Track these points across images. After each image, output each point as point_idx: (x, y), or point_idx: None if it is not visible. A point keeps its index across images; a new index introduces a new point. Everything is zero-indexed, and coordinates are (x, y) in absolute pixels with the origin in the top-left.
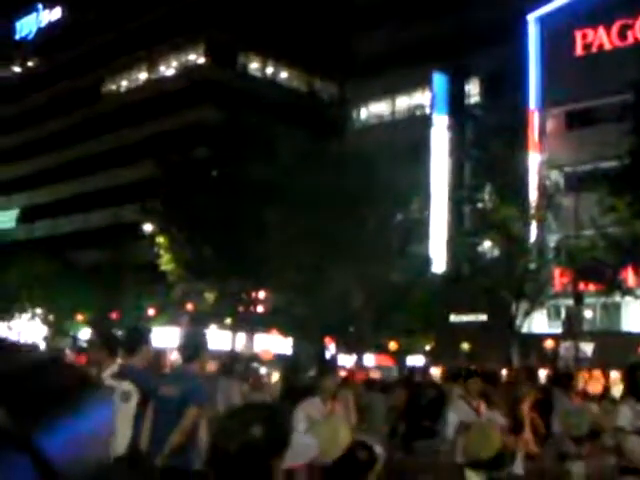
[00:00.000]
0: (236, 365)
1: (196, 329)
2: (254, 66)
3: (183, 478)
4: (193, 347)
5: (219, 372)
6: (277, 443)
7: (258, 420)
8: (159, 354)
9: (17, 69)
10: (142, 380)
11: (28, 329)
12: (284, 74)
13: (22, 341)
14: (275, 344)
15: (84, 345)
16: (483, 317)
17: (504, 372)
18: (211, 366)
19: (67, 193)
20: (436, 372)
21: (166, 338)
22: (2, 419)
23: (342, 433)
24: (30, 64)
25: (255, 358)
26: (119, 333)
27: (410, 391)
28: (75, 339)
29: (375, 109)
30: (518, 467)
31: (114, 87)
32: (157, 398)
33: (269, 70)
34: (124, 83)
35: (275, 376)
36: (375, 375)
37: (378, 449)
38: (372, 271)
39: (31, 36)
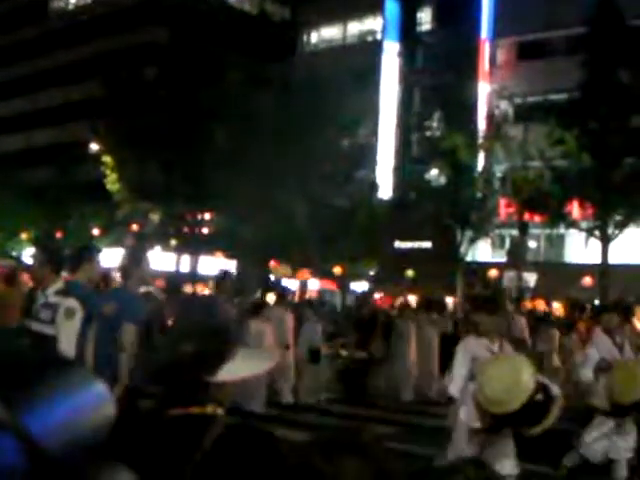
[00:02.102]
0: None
1: (135, 248)
2: None
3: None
4: (131, 266)
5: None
6: (206, 358)
7: (189, 336)
8: (106, 274)
9: None
10: (86, 297)
11: None
12: None
13: None
14: (219, 266)
15: (28, 262)
16: (428, 244)
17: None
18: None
19: (11, 111)
20: None
21: (111, 258)
22: None
23: (525, 375)
24: None
25: None
26: (65, 251)
27: None
28: (19, 258)
29: (326, 34)
30: None
31: (62, 4)
32: (99, 316)
33: None
34: (72, 0)
35: None
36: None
37: (555, 390)
38: (318, 195)
39: None
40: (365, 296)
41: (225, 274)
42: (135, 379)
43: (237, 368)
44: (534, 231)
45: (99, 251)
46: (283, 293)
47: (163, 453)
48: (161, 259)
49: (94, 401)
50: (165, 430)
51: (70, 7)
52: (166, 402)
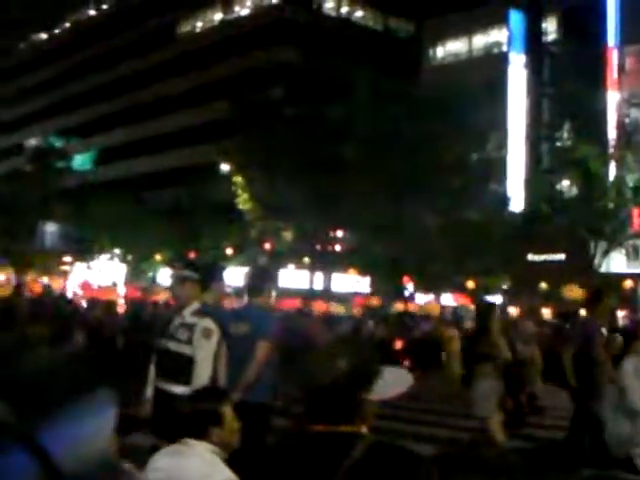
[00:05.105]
0: None
1: (261, 265)
2: (329, 5)
3: (255, 412)
4: (258, 283)
5: None
6: (363, 376)
7: (344, 354)
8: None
9: (92, 12)
10: (220, 318)
11: (107, 269)
12: (359, 13)
13: (102, 281)
14: (353, 283)
15: (164, 284)
16: (561, 256)
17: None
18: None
19: (143, 134)
20: None
21: (243, 277)
22: (5, 414)
23: None
24: (105, 7)
25: None
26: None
27: None
28: (154, 279)
29: (452, 47)
30: None
31: (189, 28)
32: (228, 336)
33: (344, 9)
34: (199, 24)
35: None
36: None
37: None
38: (449, 209)
39: None
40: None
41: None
42: (264, 396)
43: (384, 386)
44: None
45: (223, 269)
46: None
47: (306, 471)
48: (295, 277)
49: (109, 425)
50: (308, 448)
51: (197, 30)
52: (309, 419)
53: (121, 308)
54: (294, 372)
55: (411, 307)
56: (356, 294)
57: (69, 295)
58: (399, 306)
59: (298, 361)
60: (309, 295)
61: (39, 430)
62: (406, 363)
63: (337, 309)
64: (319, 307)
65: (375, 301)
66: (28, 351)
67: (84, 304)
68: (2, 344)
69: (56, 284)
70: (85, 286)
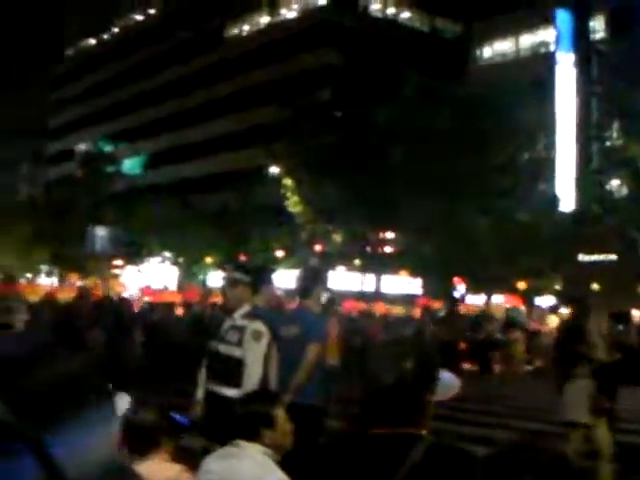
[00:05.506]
0: None
1: (313, 267)
2: (375, 7)
3: (305, 413)
4: (309, 285)
5: None
6: (428, 377)
7: (410, 354)
8: (280, 297)
9: (139, 17)
10: (270, 320)
11: (158, 273)
12: (405, 14)
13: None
14: (404, 285)
15: (214, 286)
16: (613, 257)
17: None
18: None
19: (191, 138)
20: None
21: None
22: (12, 419)
23: None
24: (152, 11)
25: None
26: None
27: None
28: (205, 281)
29: (499, 47)
30: None
31: (236, 31)
32: (279, 339)
33: (390, 11)
34: (246, 27)
35: None
36: None
37: None
38: (499, 210)
39: None
40: None
41: None
42: (315, 398)
43: (442, 388)
44: None
45: (273, 272)
46: None
47: (364, 472)
48: (345, 279)
49: (113, 433)
50: (366, 449)
51: (244, 34)
52: (368, 421)
53: (180, 310)
54: (356, 372)
55: (473, 309)
56: (408, 296)
57: (128, 298)
58: (462, 308)
59: (361, 362)
60: (360, 297)
61: (45, 435)
62: (468, 365)
63: (397, 311)
64: (379, 309)
65: (437, 303)
66: (50, 360)
67: (139, 308)
68: (18, 353)
69: (115, 288)
70: (145, 290)
